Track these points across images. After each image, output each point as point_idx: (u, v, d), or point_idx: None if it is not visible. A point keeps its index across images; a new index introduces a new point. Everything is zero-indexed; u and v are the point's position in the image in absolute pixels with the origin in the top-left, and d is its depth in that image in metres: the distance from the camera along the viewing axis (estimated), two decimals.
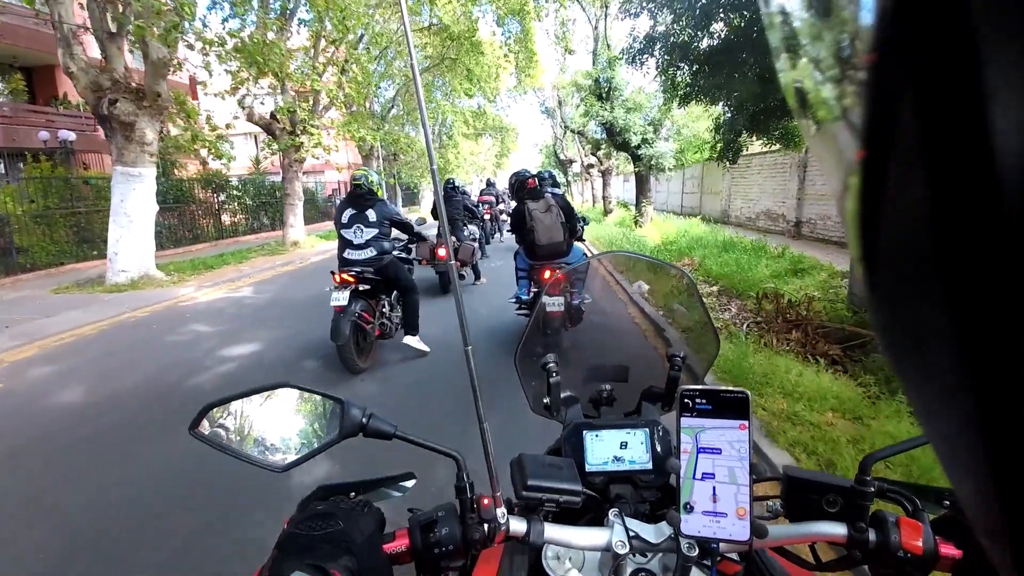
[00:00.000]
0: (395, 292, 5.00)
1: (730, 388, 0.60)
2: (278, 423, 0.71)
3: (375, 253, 4.49)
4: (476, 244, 6.87)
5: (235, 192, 15.87)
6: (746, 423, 0.59)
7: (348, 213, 4.55)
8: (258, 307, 6.82)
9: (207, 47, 8.38)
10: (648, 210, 13.74)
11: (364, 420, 0.66)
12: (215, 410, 0.69)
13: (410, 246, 5.58)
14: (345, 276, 4.32)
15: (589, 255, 4.30)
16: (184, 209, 13.72)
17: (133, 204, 8.51)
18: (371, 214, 4.51)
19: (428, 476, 2.12)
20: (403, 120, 20.30)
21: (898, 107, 0.13)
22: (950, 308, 0.13)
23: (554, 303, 1.71)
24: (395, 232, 4.91)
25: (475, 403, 0.66)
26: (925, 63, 0.12)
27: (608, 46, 12.60)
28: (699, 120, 12.60)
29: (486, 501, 0.64)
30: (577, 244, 4.67)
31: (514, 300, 4.69)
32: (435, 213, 7.27)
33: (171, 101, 8.67)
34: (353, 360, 4.22)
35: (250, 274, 9.54)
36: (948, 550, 0.61)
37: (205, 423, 0.68)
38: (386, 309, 4.84)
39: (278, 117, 12.97)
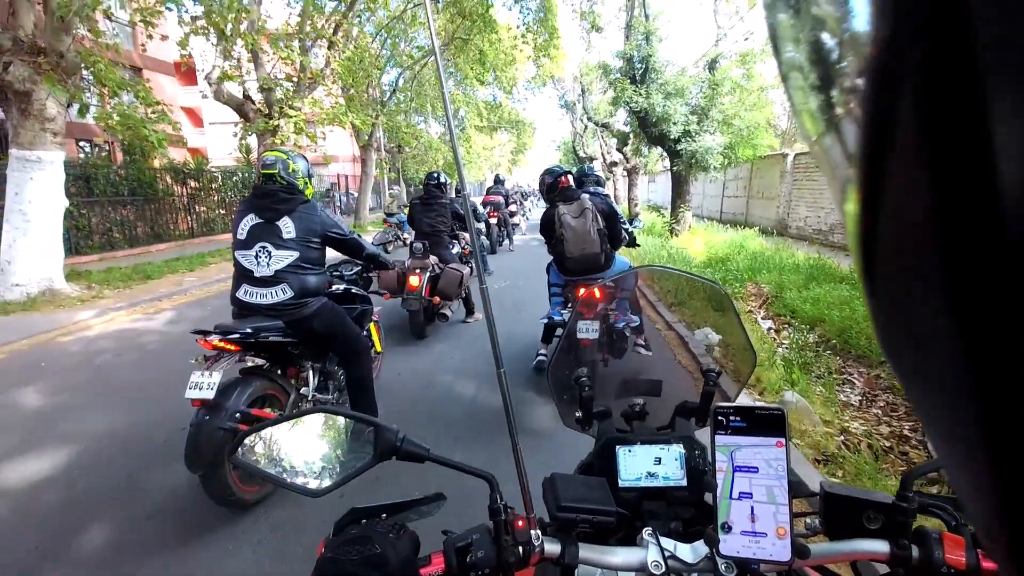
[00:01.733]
0: (331, 353, 2.97)
1: (765, 404, 0.59)
2: (313, 448, 0.70)
3: (291, 295, 2.44)
4: (466, 270, 4.74)
5: (211, 184, 13.93)
6: (783, 440, 0.58)
7: (248, 223, 2.49)
8: (153, 350, 4.80)
9: None
10: (686, 216, 11.53)
11: (398, 443, 0.66)
12: (252, 436, 0.69)
13: (370, 275, 3.52)
14: (218, 342, 2.25)
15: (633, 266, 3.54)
16: (144, 203, 11.81)
17: (31, 198, 6.57)
18: (287, 226, 2.46)
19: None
20: (408, 107, 18.23)
21: (896, 116, 0.13)
22: (951, 311, 0.13)
23: (587, 329, 1.47)
24: (332, 252, 2.86)
25: (508, 424, 0.67)
26: (923, 71, 0.12)
27: (646, 15, 10.39)
28: (755, 108, 10.32)
29: (520, 523, 0.63)
30: (621, 256, 3.85)
31: (546, 320, 3.81)
32: (412, 220, 5.12)
33: (80, 64, 6.69)
34: (231, 498, 2.25)
35: (190, 288, 7.57)
36: (990, 564, 0.59)
37: (243, 449, 0.68)
38: (310, 387, 2.77)
39: (251, 97, 11.05)
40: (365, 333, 3.38)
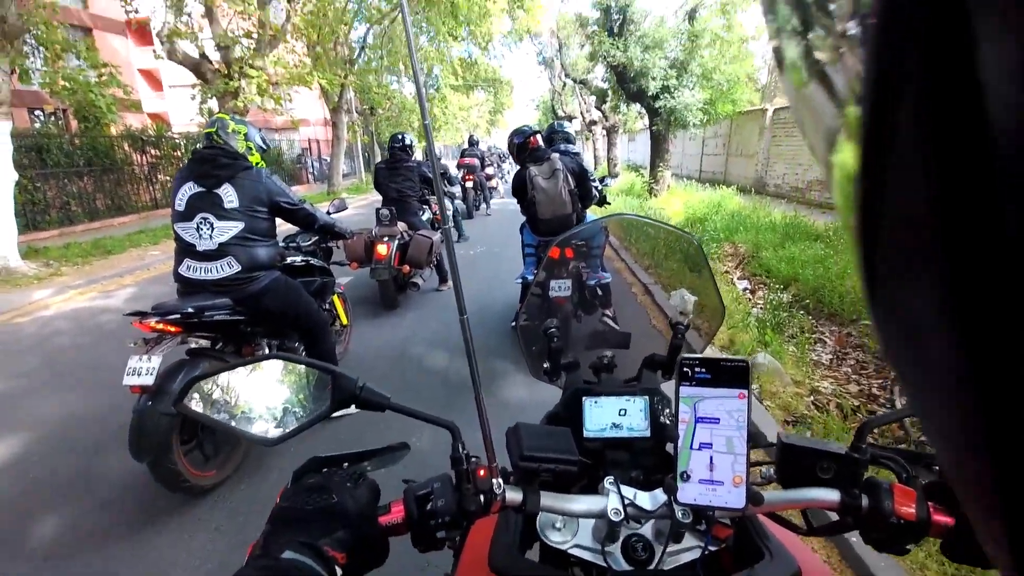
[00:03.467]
0: (289, 330, 2.83)
1: (730, 357, 0.59)
2: (267, 395, 0.67)
3: (238, 268, 2.28)
4: (437, 236, 4.58)
5: (173, 152, 13.27)
6: (745, 392, 0.58)
7: (187, 192, 2.31)
8: (111, 330, 4.59)
9: None
10: (665, 176, 11.37)
11: (357, 391, 0.64)
12: (202, 383, 0.66)
13: (330, 245, 3.35)
14: (156, 324, 2.10)
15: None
16: (103, 173, 11.22)
17: None
18: (228, 194, 2.29)
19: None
20: (379, 66, 17.44)
21: (896, 106, 0.13)
22: (952, 305, 0.13)
23: (559, 287, 1.53)
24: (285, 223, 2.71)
25: (471, 373, 0.66)
26: (922, 60, 0.12)
27: None
28: (736, 61, 10.04)
29: (482, 472, 0.63)
30: (592, 214, 3.86)
31: (520, 281, 3.87)
32: (379, 185, 4.90)
33: (23, 27, 6.15)
34: (184, 484, 2.16)
35: (153, 263, 7.28)
36: (940, 517, 0.61)
37: (192, 397, 0.65)
38: None
39: (208, 56, 10.43)
40: (328, 307, 3.25)
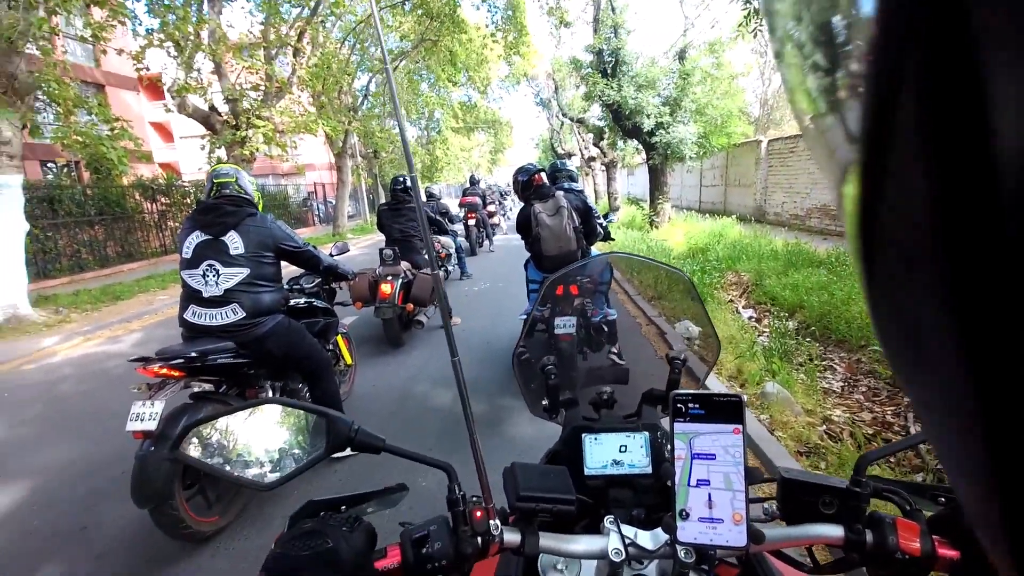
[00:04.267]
0: (292, 371, 2.83)
1: (723, 392, 0.59)
2: (263, 439, 0.68)
3: (243, 315, 2.30)
4: (440, 274, 4.59)
5: (183, 199, 13.59)
6: (740, 427, 0.58)
7: (195, 240, 2.35)
8: (117, 375, 4.59)
9: (60, 5, 6.03)
10: (665, 208, 11.51)
11: (352, 434, 0.65)
12: (198, 428, 0.66)
13: (333, 286, 3.37)
14: (159, 369, 2.10)
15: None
16: (113, 222, 11.47)
17: None
18: (234, 241, 2.32)
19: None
20: (382, 111, 18.00)
21: (896, 106, 0.13)
22: (951, 305, 0.13)
23: (564, 324, 1.54)
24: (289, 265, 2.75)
25: (465, 414, 0.67)
26: (923, 60, 0.12)
27: (613, 8, 10.33)
28: (727, 96, 10.33)
29: (479, 513, 0.63)
30: (597, 250, 3.93)
31: (524, 316, 3.81)
32: (382, 226, 4.99)
33: (33, 85, 6.41)
34: (186, 531, 2.11)
35: (160, 307, 7.34)
36: (945, 551, 0.59)
37: (188, 443, 0.66)
38: None
39: (217, 108, 10.80)
40: (331, 347, 3.25)
